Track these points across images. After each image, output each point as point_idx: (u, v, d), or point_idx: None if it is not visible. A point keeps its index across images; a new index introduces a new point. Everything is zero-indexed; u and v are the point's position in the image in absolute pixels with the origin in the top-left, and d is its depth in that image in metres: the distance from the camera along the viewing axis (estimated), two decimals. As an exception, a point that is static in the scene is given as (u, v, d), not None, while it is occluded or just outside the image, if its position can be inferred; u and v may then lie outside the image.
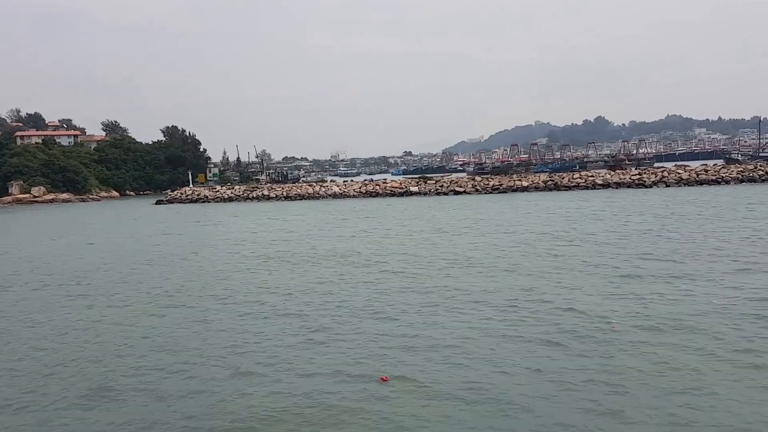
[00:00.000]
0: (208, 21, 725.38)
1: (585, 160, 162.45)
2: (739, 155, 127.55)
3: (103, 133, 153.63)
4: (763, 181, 62.00)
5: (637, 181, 65.21)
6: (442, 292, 18.16)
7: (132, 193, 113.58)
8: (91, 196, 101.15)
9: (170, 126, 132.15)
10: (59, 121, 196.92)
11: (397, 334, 14.01)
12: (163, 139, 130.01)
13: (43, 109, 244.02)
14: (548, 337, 13.34)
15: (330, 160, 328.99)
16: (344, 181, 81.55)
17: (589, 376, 10.98)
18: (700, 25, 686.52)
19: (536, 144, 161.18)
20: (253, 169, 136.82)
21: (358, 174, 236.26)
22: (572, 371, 11.25)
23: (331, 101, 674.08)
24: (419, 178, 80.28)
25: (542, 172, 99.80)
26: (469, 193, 69.86)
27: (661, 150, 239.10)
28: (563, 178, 68.93)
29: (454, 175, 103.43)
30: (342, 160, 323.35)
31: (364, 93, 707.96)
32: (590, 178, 67.75)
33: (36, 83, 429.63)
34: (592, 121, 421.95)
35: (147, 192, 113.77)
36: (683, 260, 21.66)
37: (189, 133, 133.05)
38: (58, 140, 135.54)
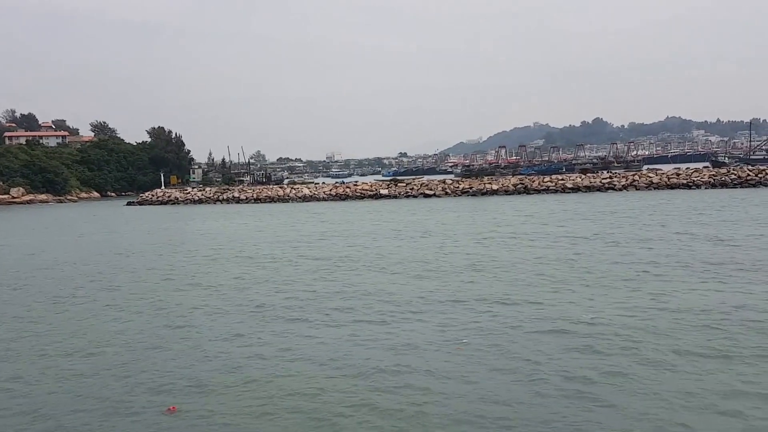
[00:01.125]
0: (206, 20, 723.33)
1: (573, 162, 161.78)
2: (726, 158, 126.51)
3: (93, 134, 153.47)
4: (735, 185, 61.20)
5: (607, 185, 64.50)
6: (316, 300, 17.61)
7: (113, 194, 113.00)
8: (69, 197, 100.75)
9: (156, 127, 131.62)
10: (52, 121, 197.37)
11: (224, 342, 13.36)
12: (149, 140, 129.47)
13: (41, 110, 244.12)
14: (380, 351, 12.68)
15: (325, 161, 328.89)
16: (316, 184, 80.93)
17: (403, 383, 10.54)
18: (701, 26, 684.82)
19: (524, 146, 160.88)
20: (237, 171, 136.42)
21: (350, 175, 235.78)
22: (374, 384, 10.67)
23: (331, 102, 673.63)
24: (390, 180, 79.60)
25: (530, 174, 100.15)
26: (438, 196, 69.25)
27: (654, 152, 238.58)
28: (533, 182, 68.29)
29: (441, 177, 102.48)
30: (336, 161, 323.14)
31: (364, 93, 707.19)
32: (560, 182, 67.07)
33: (36, 84, 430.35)
34: (590, 122, 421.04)
35: (129, 193, 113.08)
36: (591, 268, 21.07)
37: (176, 134, 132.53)
38: (46, 141, 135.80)
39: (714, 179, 62.33)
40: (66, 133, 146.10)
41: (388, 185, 73.15)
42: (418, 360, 12.01)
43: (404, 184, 72.87)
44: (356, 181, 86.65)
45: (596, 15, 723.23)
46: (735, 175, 62.56)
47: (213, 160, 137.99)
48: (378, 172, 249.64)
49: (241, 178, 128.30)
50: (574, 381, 10.63)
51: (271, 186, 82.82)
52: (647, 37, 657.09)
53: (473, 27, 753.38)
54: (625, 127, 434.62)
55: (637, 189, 63.04)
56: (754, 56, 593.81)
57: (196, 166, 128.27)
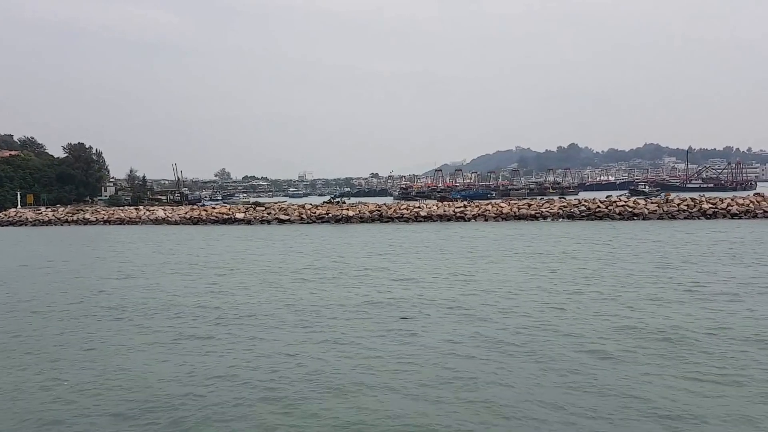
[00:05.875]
0: (188, 34, 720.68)
1: (509, 187, 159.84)
2: (646, 187, 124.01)
3: (19, 150, 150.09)
4: (582, 217, 58.11)
5: (458, 214, 61.36)
6: None
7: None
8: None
9: (75, 143, 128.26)
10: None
11: None
12: (63, 156, 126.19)
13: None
14: None
15: (296, 180, 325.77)
16: (172, 208, 77.61)
17: None
18: (690, 52, 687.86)
19: (461, 170, 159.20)
20: (162, 189, 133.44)
21: (306, 195, 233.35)
22: None
23: (319, 120, 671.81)
24: (252, 204, 76.36)
25: (456, 198, 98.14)
26: (293, 222, 65.99)
27: (611, 179, 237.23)
28: (390, 209, 65.14)
29: (381, 200, 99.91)
30: (303, 181, 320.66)
31: (353, 114, 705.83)
32: (415, 210, 63.92)
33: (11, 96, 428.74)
34: (566, 147, 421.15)
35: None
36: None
37: (96, 151, 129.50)
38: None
39: (563, 210, 59.23)
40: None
41: (246, 209, 69.91)
42: None
43: (263, 208, 69.66)
44: (214, 206, 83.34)
45: (590, 36, 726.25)
46: (585, 206, 59.47)
47: (135, 177, 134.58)
48: (339, 192, 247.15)
49: (159, 197, 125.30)
50: None
51: (129, 208, 79.20)
52: (637, 62, 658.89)
53: (466, 48, 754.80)
54: (604, 152, 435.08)
55: (486, 219, 59.91)
56: (738, 85, 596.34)
57: (111, 184, 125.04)
